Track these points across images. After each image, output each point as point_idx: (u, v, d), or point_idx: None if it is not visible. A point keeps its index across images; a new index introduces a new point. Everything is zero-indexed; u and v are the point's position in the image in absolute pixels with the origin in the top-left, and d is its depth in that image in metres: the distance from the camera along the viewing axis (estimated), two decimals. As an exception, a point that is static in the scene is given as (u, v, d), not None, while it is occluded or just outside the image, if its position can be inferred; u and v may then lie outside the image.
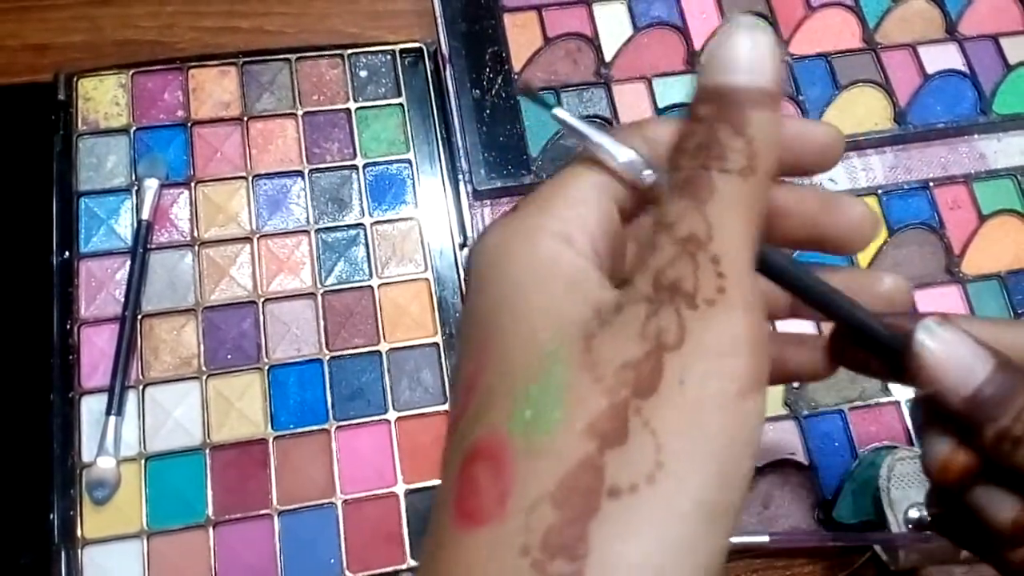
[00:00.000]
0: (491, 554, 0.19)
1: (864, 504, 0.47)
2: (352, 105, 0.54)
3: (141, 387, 0.47)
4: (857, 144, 0.55)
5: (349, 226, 0.52)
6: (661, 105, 0.55)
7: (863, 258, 0.53)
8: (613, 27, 0.57)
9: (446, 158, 0.53)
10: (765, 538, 0.46)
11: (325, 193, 0.52)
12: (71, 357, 0.47)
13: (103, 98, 0.53)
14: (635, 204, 0.25)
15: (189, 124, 0.53)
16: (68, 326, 0.48)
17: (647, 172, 0.24)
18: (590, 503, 0.18)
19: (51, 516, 0.44)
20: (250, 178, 0.52)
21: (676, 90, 0.56)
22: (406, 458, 0.47)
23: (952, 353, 0.24)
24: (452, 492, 0.20)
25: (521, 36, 0.56)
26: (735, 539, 0.46)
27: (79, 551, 0.44)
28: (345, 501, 0.46)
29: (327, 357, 0.48)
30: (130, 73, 0.53)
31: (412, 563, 0.45)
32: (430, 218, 0.52)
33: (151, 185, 0.50)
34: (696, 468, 0.19)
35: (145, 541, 0.44)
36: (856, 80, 0.57)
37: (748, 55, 0.22)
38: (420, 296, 0.50)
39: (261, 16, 0.57)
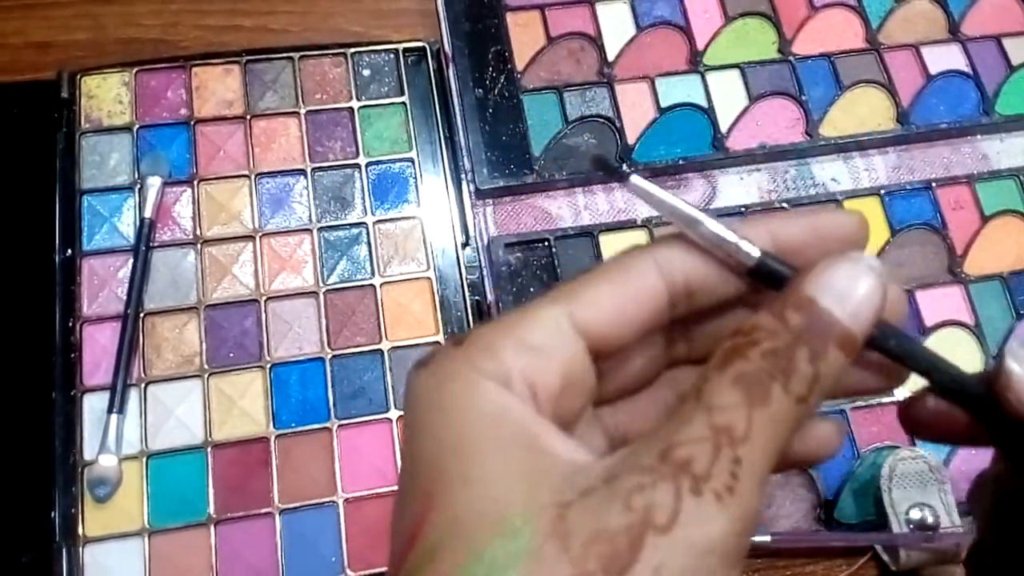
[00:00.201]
0: None
1: (865, 504, 0.47)
2: (355, 104, 0.54)
3: (143, 385, 0.47)
4: (860, 144, 0.55)
5: (351, 225, 0.52)
6: (664, 105, 0.55)
7: (865, 258, 0.53)
8: (616, 26, 0.57)
9: (449, 157, 0.53)
10: (767, 538, 0.46)
11: (328, 192, 0.52)
12: (73, 355, 0.47)
13: (106, 96, 0.53)
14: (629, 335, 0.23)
15: (192, 122, 0.53)
16: (70, 324, 0.48)
17: (748, 247, 0.22)
18: None
19: (52, 514, 0.44)
20: (253, 176, 0.52)
21: (679, 90, 0.56)
22: (408, 457, 0.46)
23: None
24: None
25: (524, 35, 0.56)
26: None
27: (80, 549, 0.44)
28: (346, 500, 0.46)
29: (329, 356, 0.48)
30: (133, 71, 0.53)
31: (413, 562, 0.45)
32: (432, 217, 0.52)
33: (154, 183, 0.50)
34: None
35: (146, 539, 0.44)
36: (859, 80, 0.57)
37: (864, 299, 0.21)
38: (422, 295, 0.50)
39: (265, 15, 0.57)
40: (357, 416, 0.47)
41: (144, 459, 0.46)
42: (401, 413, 0.47)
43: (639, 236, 0.52)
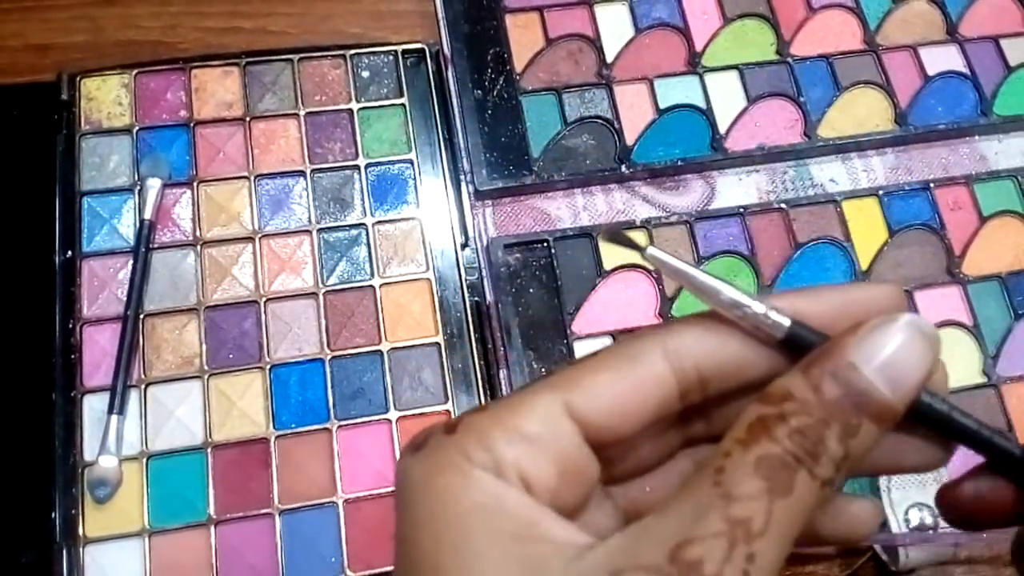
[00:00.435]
0: None
1: (865, 504, 0.47)
2: (354, 105, 0.54)
3: (143, 386, 0.47)
4: (858, 145, 0.55)
5: (351, 226, 0.52)
6: (662, 106, 0.55)
7: (864, 258, 0.53)
8: (615, 28, 0.57)
9: (448, 158, 0.53)
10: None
11: (327, 193, 0.52)
12: (73, 356, 0.47)
13: (106, 98, 0.53)
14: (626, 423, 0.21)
15: (192, 124, 0.53)
16: (70, 325, 0.48)
17: (777, 316, 0.21)
18: None
19: (53, 515, 0.44)
20: (252, 178, 0.52)
21: (677, 91, 0.56)
22: (407, 457, 0.47)
23: None
24: None
25: (523, 37, 0.56)
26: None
27: (80, 550, 0.44)
28: (346, 500, 0.46)
29: (328, 356, 0.49)
30: (133, 73, 0.53)
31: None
32: (432, 218, 0.52)
33: (153, 185, 0.50)
34: None
35: (146, 540, 0.44)
36: (857, 81, 0.57)
37: (912, 369, 0.19)
38: (421, 296, 0.50)
39: (264, 16, 0.57)
40: (357, 417, 0.47)
41: (144, 460, 0.46)
42: (401, 414, 0.47)
43: (638, 236, 0.52)
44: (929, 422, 0.21)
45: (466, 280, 0.51)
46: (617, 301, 0.51)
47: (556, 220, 0.53)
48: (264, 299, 0.49)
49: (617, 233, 0.23)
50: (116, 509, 0.45)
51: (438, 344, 0.49)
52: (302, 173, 0.52)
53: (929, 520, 0.45)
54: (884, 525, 0.45)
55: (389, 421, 0.47)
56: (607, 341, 0.50)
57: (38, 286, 0.48)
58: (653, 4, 0.58)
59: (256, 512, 0.45)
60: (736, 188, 0.54)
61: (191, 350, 0.48)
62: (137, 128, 0.52)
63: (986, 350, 0.51)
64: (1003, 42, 0.59)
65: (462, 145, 0.53)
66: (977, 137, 0.57)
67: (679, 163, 0.54)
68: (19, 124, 0.52)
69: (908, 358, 0.20)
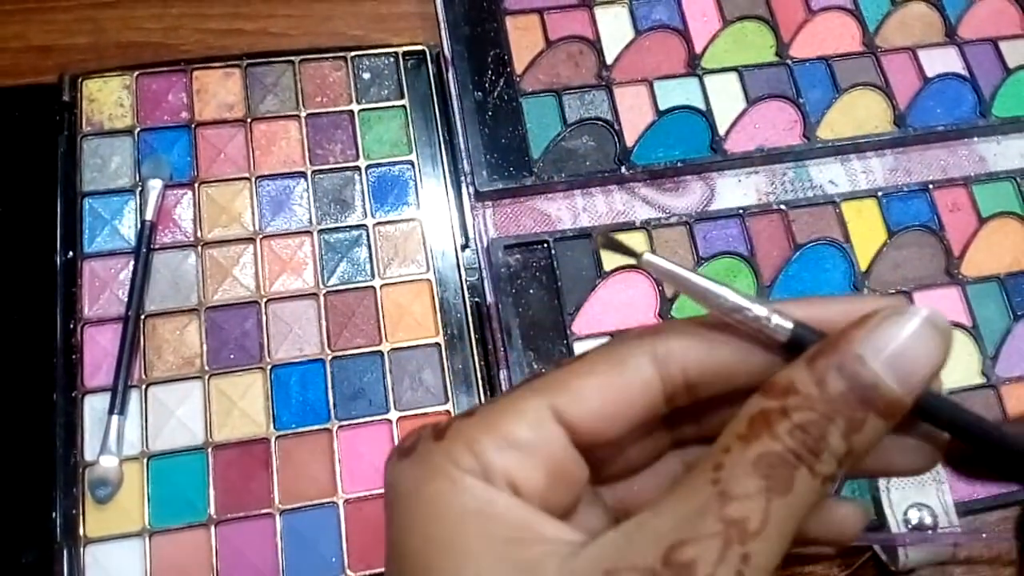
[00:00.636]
0: None
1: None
2: (355, 107, 0.54)
3: (144, 386, 0.47)
4: (857, 147, 0.56)
5: (351, 227, 0.52)
6: (662, 107, 0.55)
7: (863, 259, 0.53)
8: (615, 30, 0.57)
9: (448, 160, 0.53)
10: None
11: (328, 194, 0.53)
12: (74, 356, 0.47)
13: (107, 99, 0.53)
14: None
15: (193, 125, 0.53)
16: (71, 326, 0.48)
17: (780, 319, 0.20)
18: None
19: (53, 515, 0.44)
20: (253, 179, 0.52)
21: (677, 93, 0.56)
22: (408, 458, 0.47)
23: None
24: None
25: (523, 39, 0.57)
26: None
27: (81, 550, 0.44)
28: (347, 500, 0.46)
29: (329, 357, 0.49)
30: (134, 75, 0.54)
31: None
32: (432, 219, 0.52)
33: (155, 186, 0.50)
34: None
35: (147, 540, 0.44)
36: (856, 83, 0.57)
37: (923, 362, 0.19)
38: (422, 296, 0.50)
39: (265, 18, 0.57)
40: (357, 417, 0.48)
41: (145, 460, 0.46)
42: (401, 414, 0.48)
43: (638, 237, 0.52)
44: (932, 419, 0.20)
45: (466, 281, 0.51)
46: (617, 302, 0.51)
47: (556, 221, 0.53)
48: (265, 300, 0.50)
49: (611, 239, 0.22)
50: (117, 509, 0.45)
51: (438, 345, 0.49)
52: (303, 174, 0.53)
53: (928, 520, 0.45)
54: (883, 525, 0.45)
55: (389, 421, 0.48)
56: (607, 342, 0.50)
57: (39, 287, 0.48)
58: (653, 6, 0.58)
59: (257, 512, 0.45)
60: (735, 189, 0.54)
61: (192, 350, 0.48)
62: (138, 129, 0.52)
63: (985, 351, 0.51)
64: (1002, 44, 0.59)
65: (462, 146, 0.53)
66: (976, 139, 0.57)
67: (679, 164, 0.54)
68: (21, 125, 0.52)
69: (919, 349, 0.19)
